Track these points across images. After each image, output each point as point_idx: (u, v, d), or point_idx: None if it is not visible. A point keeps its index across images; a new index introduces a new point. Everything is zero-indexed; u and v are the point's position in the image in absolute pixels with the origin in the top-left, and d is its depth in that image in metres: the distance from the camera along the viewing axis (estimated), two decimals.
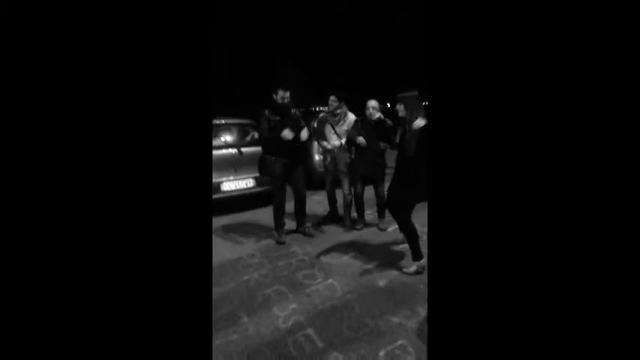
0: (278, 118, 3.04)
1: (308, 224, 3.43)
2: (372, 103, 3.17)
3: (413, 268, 2.54)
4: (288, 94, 3.05)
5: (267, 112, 3.06)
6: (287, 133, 2.97)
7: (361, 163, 3.26)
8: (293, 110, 3.13)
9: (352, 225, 3.56)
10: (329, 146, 3.38)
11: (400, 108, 2.57)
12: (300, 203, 3.31)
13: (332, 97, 3.30)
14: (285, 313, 2.12)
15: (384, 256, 2.84)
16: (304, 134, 3.09)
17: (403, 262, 2.68)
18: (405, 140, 2.44)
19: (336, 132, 3.34)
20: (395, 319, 2.01)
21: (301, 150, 3.33)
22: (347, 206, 3.56)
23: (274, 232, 3.26)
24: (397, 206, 2.51)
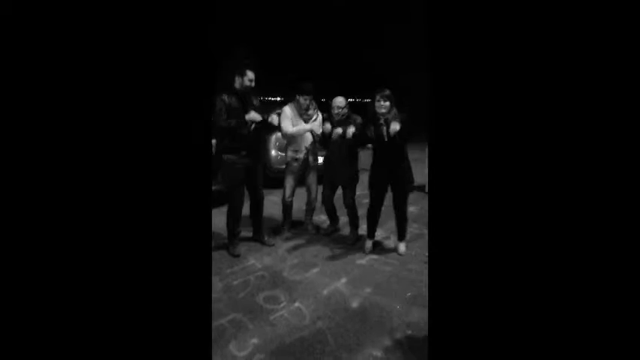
0: (238, 106, 2.54)
1: (266, 231, 3.04)
2: (338, 101, 2.82)
3: (402, 247, 2.89)
4: (254, 75, 2.57)
5: (225, 96, 2.51)
6: (254, 116, 2.52)
7: (329, 166, 2.96)
8: (255, 99, 2.68)
9: (316, 230, 3.25)
10: (309, 128, 2.88)
11: (385, 104, 2.57)
12: (258, 207, 2.89)
13: (305, 97, 2.87)
14: (245, 353, 1.74)
15: (354, 270, 2.57)
16: (276, 119, 2.66)
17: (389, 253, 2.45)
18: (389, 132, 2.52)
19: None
20: (376, 353, 1.75)
21: (262, 145, 2.91)
22: (311, 210, 3.23)
23: (227, 243, 2.82)
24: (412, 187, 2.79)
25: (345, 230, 3.26)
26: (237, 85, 2.57)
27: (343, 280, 2.43)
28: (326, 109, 3.01)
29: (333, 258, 2.77)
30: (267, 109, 3.43)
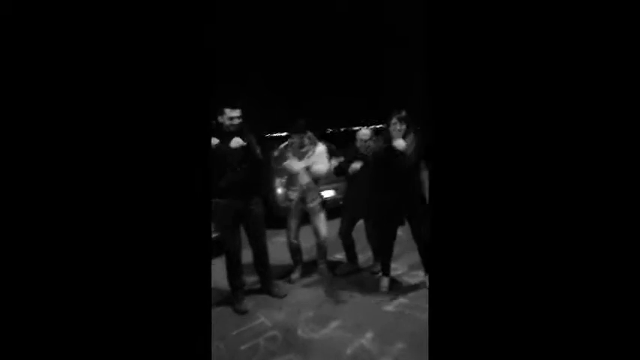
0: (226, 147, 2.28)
1: (275, 280, 2.68)
2: (362, 133, 2.72)
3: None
4: (238, 113, 2.31)
5: (212, 141, 2.27)
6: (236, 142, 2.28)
7: (354, 201, 2.77)
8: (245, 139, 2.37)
9: (332, 273, 2.90)
10: (294, 168, 2.69)
11: (402, 127, 2.36)
12: (261, 257, 2.55)
13: (297, 136, 2.69)
14: None
15: (381, 320, 2.18)
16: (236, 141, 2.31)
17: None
18: (404, 156, 2.35)
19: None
20: None
21: (258, 186, 2.60)
22: (323, 252, 2.90)
23: (231, 298, 2.47)
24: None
25: (365, 272, 2.91)
26: (223, 123, 2.33)
27: (369, 334, 2.04)
28: (331, 139, 2.87)
29: (354, 306, 2.39)
30: (265, 146, 3.16)
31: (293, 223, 2.79)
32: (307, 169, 2.69)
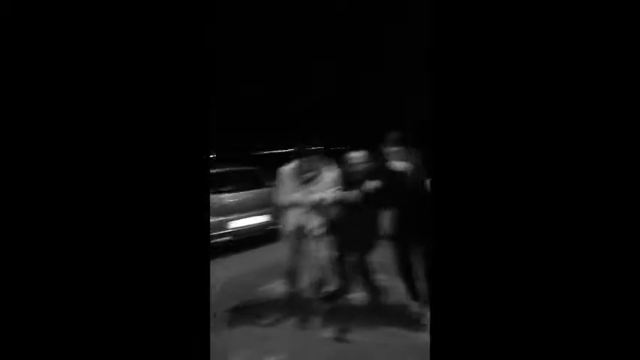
0: None
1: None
2: (350, 157, 2.29)
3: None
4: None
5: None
6: None
7: (348, 229, 2.32)
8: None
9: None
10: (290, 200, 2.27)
11: (399, 149, 2.21)
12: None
13: (303, 158, 2.28)
14: None
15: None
16: None
17: None
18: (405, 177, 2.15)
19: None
20: None
21: None
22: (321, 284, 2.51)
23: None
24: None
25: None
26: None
27: None
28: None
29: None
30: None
31: (293, 251, 2.38)
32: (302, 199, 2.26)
